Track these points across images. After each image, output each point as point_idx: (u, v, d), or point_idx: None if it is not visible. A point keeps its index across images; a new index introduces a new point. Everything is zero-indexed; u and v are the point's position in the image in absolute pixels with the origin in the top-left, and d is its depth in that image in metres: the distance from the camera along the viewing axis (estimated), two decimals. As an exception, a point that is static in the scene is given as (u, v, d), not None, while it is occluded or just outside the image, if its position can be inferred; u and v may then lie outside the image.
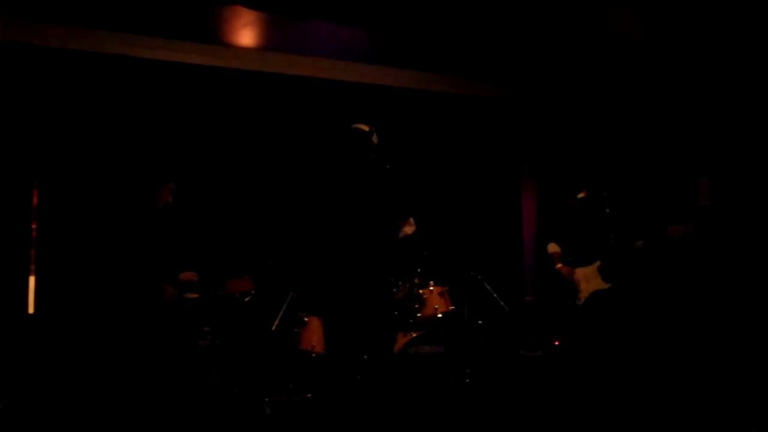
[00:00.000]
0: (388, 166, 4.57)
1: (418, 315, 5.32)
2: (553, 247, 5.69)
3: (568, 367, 5.47)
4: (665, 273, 5.88)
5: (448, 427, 4.75)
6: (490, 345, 5.77)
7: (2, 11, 5.42)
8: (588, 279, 5.46)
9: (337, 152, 4.56)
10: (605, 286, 5.40)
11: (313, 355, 5.20)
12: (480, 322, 5.69)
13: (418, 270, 5.43)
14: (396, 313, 5.18)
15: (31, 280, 5.53)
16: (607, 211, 5.37)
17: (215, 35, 6.12)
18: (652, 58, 6.27)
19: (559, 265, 5.60)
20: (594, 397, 5.04)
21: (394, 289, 5.25)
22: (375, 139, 4.53)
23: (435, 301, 5.41)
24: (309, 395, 5.02)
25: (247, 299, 5.36)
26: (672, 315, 5.78)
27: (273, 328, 5.23)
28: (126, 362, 4.68)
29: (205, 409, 4.84)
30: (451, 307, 5.47)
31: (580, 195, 5.59)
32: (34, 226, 5.58)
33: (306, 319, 5.32)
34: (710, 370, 5.27)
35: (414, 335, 5.17)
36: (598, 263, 5.44)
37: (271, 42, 6.36)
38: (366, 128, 4.50)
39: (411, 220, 4.73)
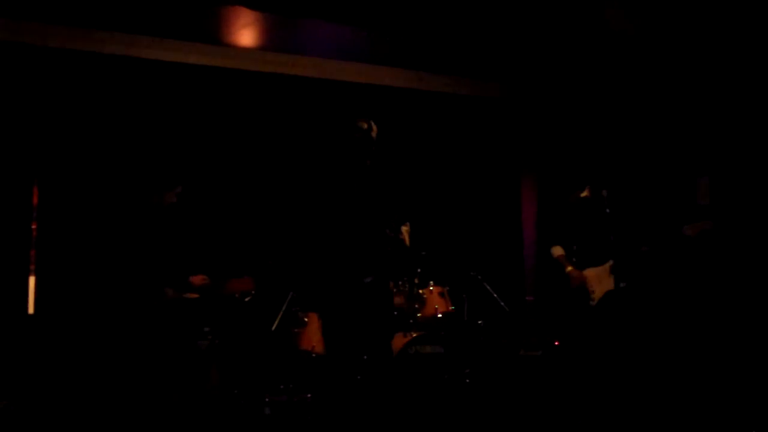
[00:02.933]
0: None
1: (418, 315, 5.32)
2: (557, 251, 5.57)
3: (577, 367, 5.43)
4: (680, 271, 5.82)
5: (448, 427, 4.75)
6: (490, 345, 5.77)
7: (2, 11, 5.42)
8: (600, 279, 5.37)
9: (336, 150, 4.56)
10: (614, 286, 5.34)
11: (313, 355, 5.20)
12: (480, 322, 5.69)
13: (418, 270, 5.42)
14: (396, 313, 5.18)
15: (31, 280, 5.53)
16: (607, 210, 5.35)
17: (215, 35, 6.12)
18: (652, 57, 6.27)
19: (570, 268, 5.47)
20: (595, 397, 5.03)
21: (395, 290, 5.25)
22: (374, 134, 4.53)
23: (435, 301, 5.41)
24: (309, 395, 5.02)
25: (247, 299, 5.36)
26: (681, 314, 5.76)
27: (273, 328, 5.23)
28: (126, 362, 4.68)
29: (205, 409, 4.84)
30: (451, 307, 5.47)
31: (583, 194, 5.56)
32: (34, 226, 5.58)
33: (306, 319, 5.33)
34: (710, 370, 5.27)
35: (414, 335, 5.17)
36: (610, 263, 5.34)
37: (271, 42, 6.36)
38: (365, 125, 4.50)
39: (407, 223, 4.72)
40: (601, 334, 5.31)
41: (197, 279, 5.06)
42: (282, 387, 5.09)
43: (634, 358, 5.19)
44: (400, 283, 5.33)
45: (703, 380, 5.14)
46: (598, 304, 5.33)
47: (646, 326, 5.37)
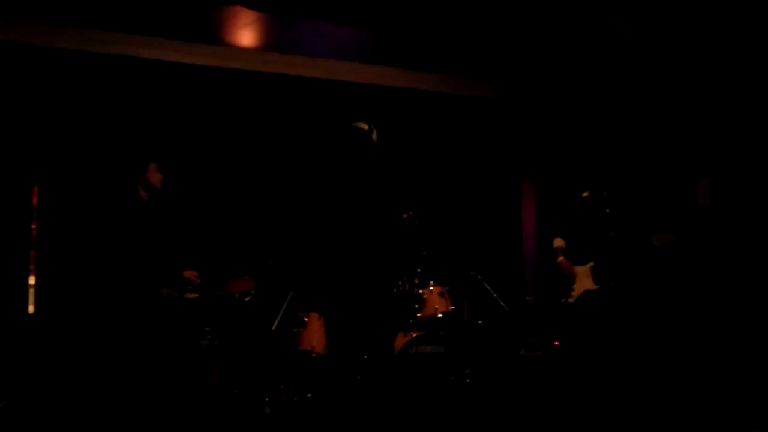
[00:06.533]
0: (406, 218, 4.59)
1: (418, 315, 5.32)
2: (559, 242, 5.73)
3: (562, 366, 5.48)
4: (653, 276, 5.89)
5: (448, 427, 4.75)
6: (490, 345, 5.77)
7: (2, 11, 5.43)
8: (581, 278, 5.51)
9: (337, 151, 4.57)
10: (595, 287, 5.44)
11: (313, 355, 5.20)
12: (480, 322, 5.69)
13: (418, 270, 5.42)
14: (396, 313, 5.18)
15: (31, 280, 5.53)
16: (607, 211, 5.38)
17: (215, 35, 6.12)
18: (652, 57, 6.27)
19: (561, 258, 5.62)
20: (592, 396, 5.04)
21: (395, 289, 5.25)
22: (375, 137, 4.54)
23: (435, 301, 5.41)
24: (309, 395, 5.02)
25: (247, 299, 5.36)
26: (665, 316, 5.78)
27: (273, 328, 5.23)
28: (126, 362, 4.68)
29: (205, 409, 4.84)
30: (451, 307, 5.47)
31: (585, 194, 5.61)
32: (34, 226, 5.58)
33: (306, 319, 5.33)
34: (710, 370, 5.27)
35: (414, 335, 5.17)
36: (591, 264, 5.47)
37: (271, 42, 6.36)
38: (366, 127, 4.52)
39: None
40: (576, 333, 5.39)
41: (189, 273, 5.06)
42: (282, 387, 5.09)
43: (607, 358, 5.23)
44: (400, 283, 5.33)
45: (692, 380, 5.16)
46: (574, 303, 5.44)
47: (618, 327, 5.42)
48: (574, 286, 5.52)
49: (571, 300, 5.51)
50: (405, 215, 4.66)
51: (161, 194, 5.09)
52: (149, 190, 5.01)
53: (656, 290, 5.85)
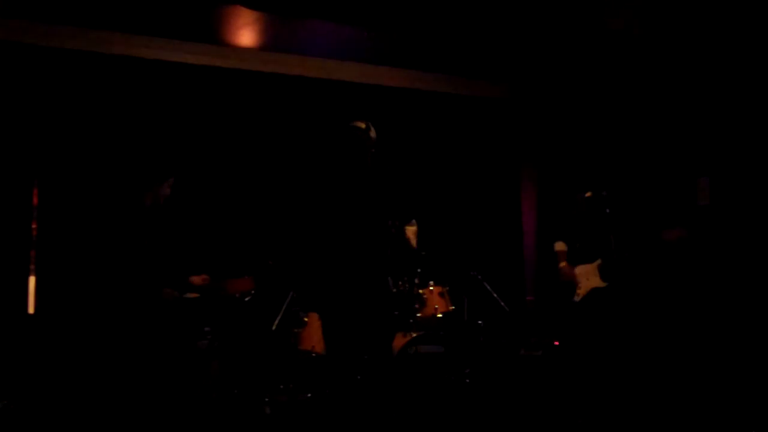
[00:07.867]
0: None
1: (418, 315, 5.32)
2: (559, 246, 5.74)
3: (566, 365, 5.48)
4: (663, 274, 5.90)
5: (448, 427, 4.75)
6: (490, 345, 5.77)
7: (2, 11, 5.42)
8: (588, 276, 5.51)
9: (335, 151, 4.56)
10: (603, 284, 5.44)
11: (313, 355, 5.21)
12: (480, 322, 5.70)
13: (418, 270, 5.42)
14: (396, 312, 5.18)
15: (31, 280, 5.53)
16: (607, 211, 5.38)
17: (215, 35, 6.12)
18: (652, 57, 6.27)
19: (563, 264, 5.64)
20: (593, 396, 5.04)
21: (395, 289, 5.25)
22: (373, 134, 4.53)
23: (435, 301, 5.41)
24: (309, 395, 5.02)
25: (247, 299, 5.36)
26: (671, 315, 5.79)
27: (273, 328, 5.23)
28: (126, 362, 4.69)
29: (205, 409, 4.84)
30: (451, 307, 5.47)
31: (587, 194, 5.62)
32: (34, 226, 5.58)
33: (306, 319, 5.33)
34: (710, 370, 5.27)
35: (414, 335, 5.17)
36: (598, 261, 5.47)
37: (271, 42, 6.36)
38: (362, 125, 4.51)
39: (414, 222, 4.71)
40: (583, 330, 5.40)
41: (198, 279, 5.07)
42: (282, 387, 5.09)
43: (615, 356, 5.24)
44: (400, 283, 5.33)
45: (693, 380, 5.17)
46: (581, 301, 5.46)
47: (626, 325, 5.44)
48: (580, 285, 5.52)
49: (577, 299, 5.52)
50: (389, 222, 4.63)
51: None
52: (154, 198, 5.00)
53: (667, 288, 5.85)
